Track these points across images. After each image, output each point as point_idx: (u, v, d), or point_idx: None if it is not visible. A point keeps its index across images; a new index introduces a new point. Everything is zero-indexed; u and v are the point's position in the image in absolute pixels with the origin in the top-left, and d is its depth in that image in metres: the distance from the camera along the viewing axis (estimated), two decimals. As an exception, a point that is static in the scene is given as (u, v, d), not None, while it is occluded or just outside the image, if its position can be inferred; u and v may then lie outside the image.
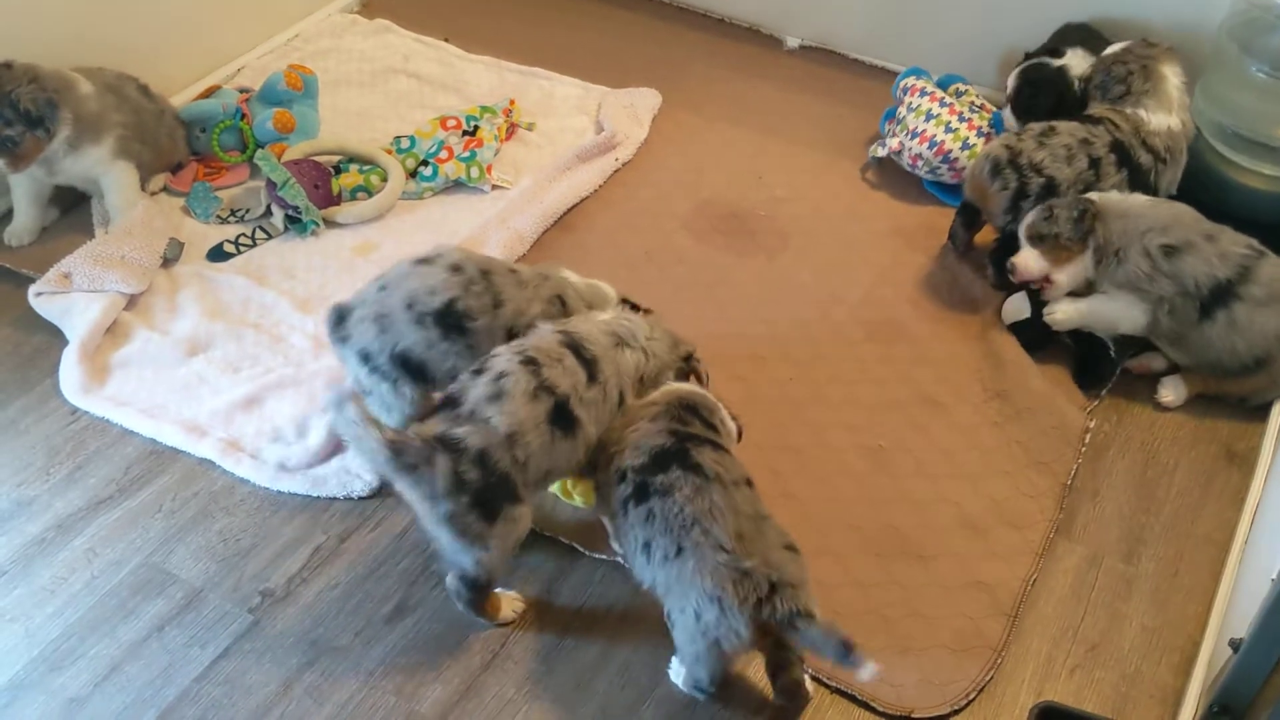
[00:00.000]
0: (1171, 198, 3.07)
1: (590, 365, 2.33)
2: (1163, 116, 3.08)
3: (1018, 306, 3.05)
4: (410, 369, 2.50)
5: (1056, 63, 3.36)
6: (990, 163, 3.07)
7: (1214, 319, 2.79)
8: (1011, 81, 3.45)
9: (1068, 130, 3.06)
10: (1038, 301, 3.01)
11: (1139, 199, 2.92)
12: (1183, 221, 2.85)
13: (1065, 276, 2.93)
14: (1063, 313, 2.94)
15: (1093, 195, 2.94)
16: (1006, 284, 3.16)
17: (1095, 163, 3.03)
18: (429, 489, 2.14)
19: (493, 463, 2.17)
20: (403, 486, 2.18)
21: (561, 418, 2.26)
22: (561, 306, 2.58)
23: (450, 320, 2.48)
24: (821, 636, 2.01)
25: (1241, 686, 2.03)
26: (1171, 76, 3.12)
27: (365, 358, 2.50)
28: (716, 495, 2.12)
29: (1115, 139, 3.05)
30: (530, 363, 2.27)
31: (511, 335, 2.53)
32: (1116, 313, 2.90)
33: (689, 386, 2.41)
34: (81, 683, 2.32)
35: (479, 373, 2.27)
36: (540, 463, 2.25)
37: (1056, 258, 2.91)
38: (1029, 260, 2.94)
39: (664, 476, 2.15)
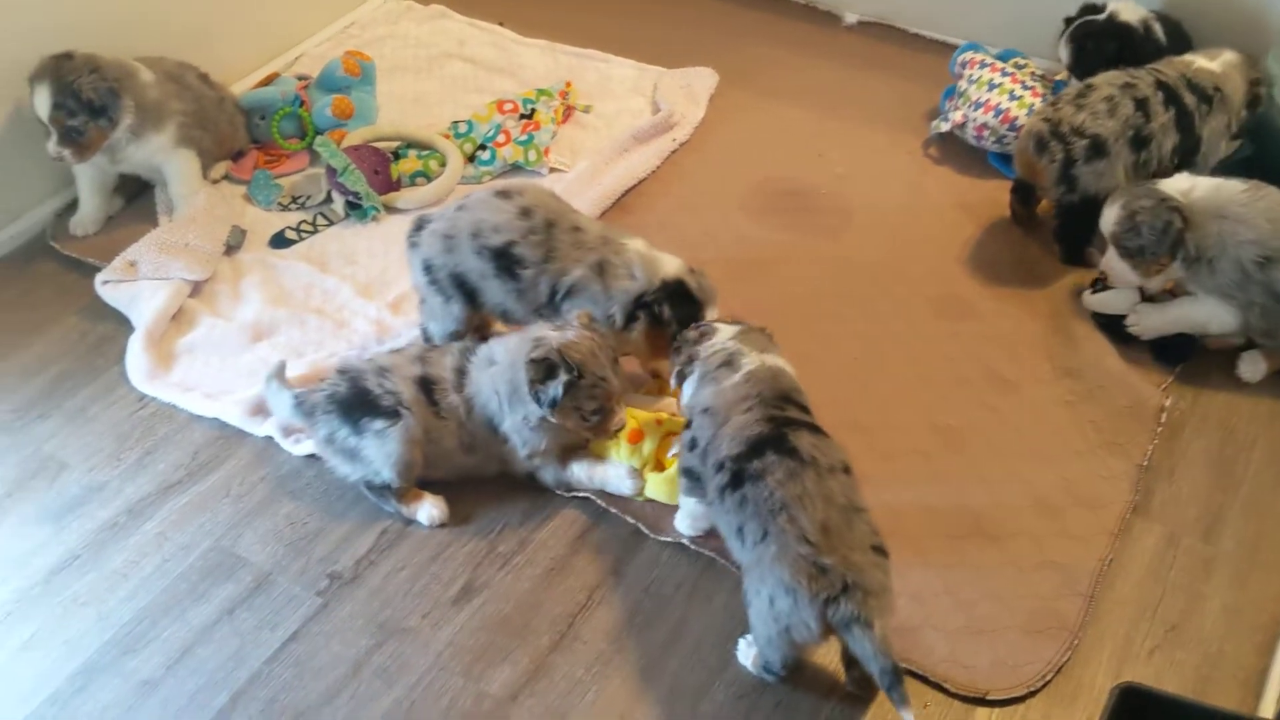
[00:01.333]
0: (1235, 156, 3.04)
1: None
2: (1206, 61, 3.06)
3: (1111, 302, 2.97)
4: (465, 291, 2.67)
5: (1103, 15, 3.32)
6: (1034, 140, 3.02)
7: None
8: (1064, 49, 3.39)
9: (1106, 81, 3.03)
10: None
11: (1233, 189, 2.75)
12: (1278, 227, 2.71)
13: (1155, 284, 2.86)
14: (1148, 323, 2.87)
15: (1181, 189, 2.76)
16: (1075, 260, 3.11)
17: (1142, 103, 2.98)
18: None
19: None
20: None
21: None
22: (601, 273, 2.59)
23: (504, 262, 2.61)
24: (873, 653, 1.97)
25: (1332, 667, 1.98)
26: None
27: (428, 268, 2.70)
28: (809, 481, 2.08)
29: (1159, 79, 3.01)
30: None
31: (553, 292, 2.57)
32: (1205, 317, 2.82)
33: (776, 365, 2.36)
34: (154, 665, 2.34)
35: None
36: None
37: (1148, 269, 2.80)
38: (1122, 271, 2.84)
39: (759, 462, 2.12)
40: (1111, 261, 2.85)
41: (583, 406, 2.43)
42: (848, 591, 1.98)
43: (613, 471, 2.58)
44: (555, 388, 2.37)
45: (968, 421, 2.76)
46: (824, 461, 2.13)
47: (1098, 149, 2.95)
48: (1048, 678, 2.28)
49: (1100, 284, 2.99)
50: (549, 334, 2.44)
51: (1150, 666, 2.30)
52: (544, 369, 2.38)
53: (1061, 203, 3.05)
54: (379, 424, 2.47)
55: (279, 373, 2.65)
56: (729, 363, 2.34)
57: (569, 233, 2.63)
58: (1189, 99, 2.99)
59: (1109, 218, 2.81)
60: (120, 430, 2.80)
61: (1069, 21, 3.41)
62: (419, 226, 2.74)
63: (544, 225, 2.62)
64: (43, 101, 3.00)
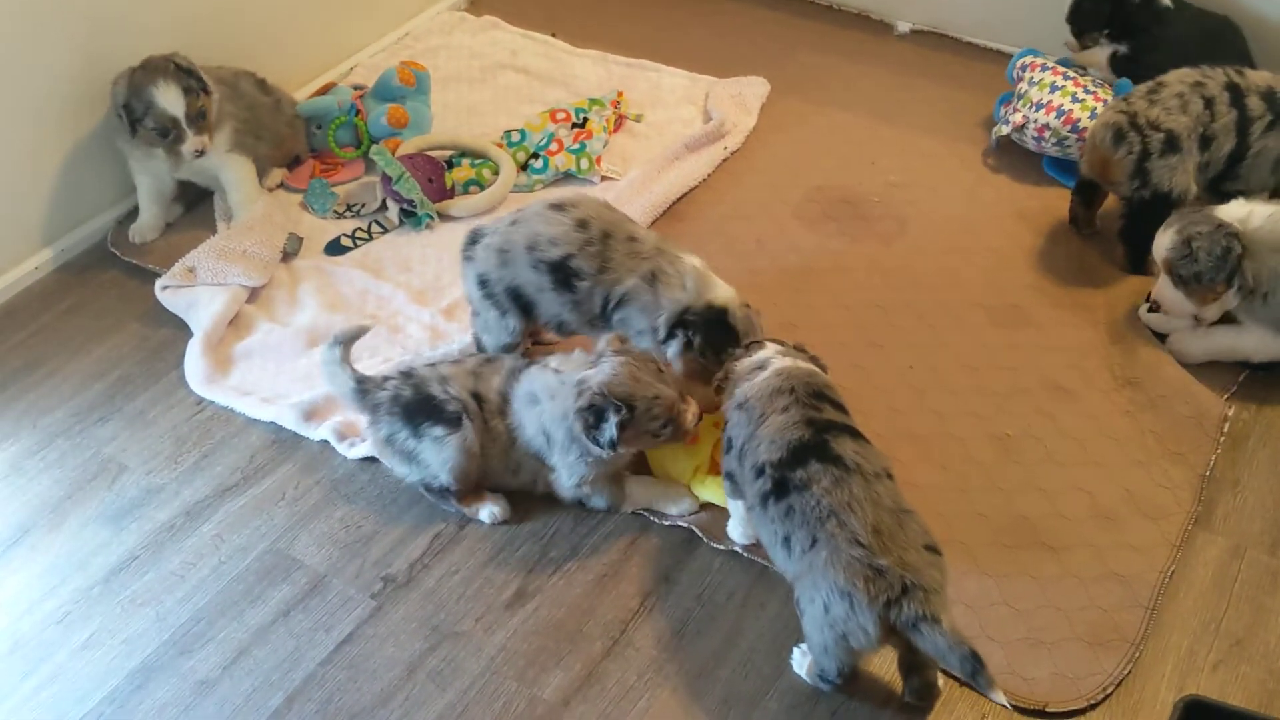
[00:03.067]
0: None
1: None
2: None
3: (1167, 323, 2.92)
4: (520, 304, 2.67)
5: None
6: (1112, 131, 2.99)
7: None
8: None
9: (1176, 78, 3.00)
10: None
11: None
12: None
13: (1210, 313, 2.80)
14: (1189, 349, 2.84)
15: (1238, 216, 2.71)
16: (1138, 267, 3.07)
17: (1209, 102, 2.94)
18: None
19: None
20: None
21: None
22: (652, 282, 2.58)
23: (562, 274, 2.60)
24: (947, 646, 1.95)
25: (1406, 683, 1.92)
26: None
27: (483, 283, 2.69)
28: (856, 487, 2.06)
29: (1231, 80, 2.97)
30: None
31: (606, 302, 2.57)
32: (1252, 346, 2.78)
33: (808, 366, 2.36)
34: (211, 665, 2.36)
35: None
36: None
37: (1203, 296, 2.75)
38: (1176, 300, 2.78)
39: (803, 471, 2.10)
40: (1164, 290, 2.80)
41: (648, 429, 2.41)
42: (908, 592, 1.95)
43: (665, 492, 2.58)
44: (609, 430, 2.35)
45: (1025, 431, 2.72)
46: (868, 468, 2.12)
47: (1172, 143, 2.92)
48: (1109, 690, 2.24)
49: (1155, 303, 2.95)
50: (588, 375, 2.40)
51: (1214, 680, 2.26)
52: (595, 415, 2.36)
53: (1132, 199, 3.01)
54: (438, 430, 2.48)
55: (345, 345, 2.59)
56: (761, 365, 2.34)
57: (624, 243, 2.62)
58: (1254, 103, 2.94)
59: (1163, 243, 2.75)
60: (178, 433, 2.84)
61: None
62: (473, 240, 2.73)
63: (600, 236, 2.61)
64: (172, 93, 3.06)
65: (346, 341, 2.60)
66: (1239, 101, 2.95)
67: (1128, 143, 2.95)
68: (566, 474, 2.50)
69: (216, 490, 2.70)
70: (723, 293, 2.61)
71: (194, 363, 2.95)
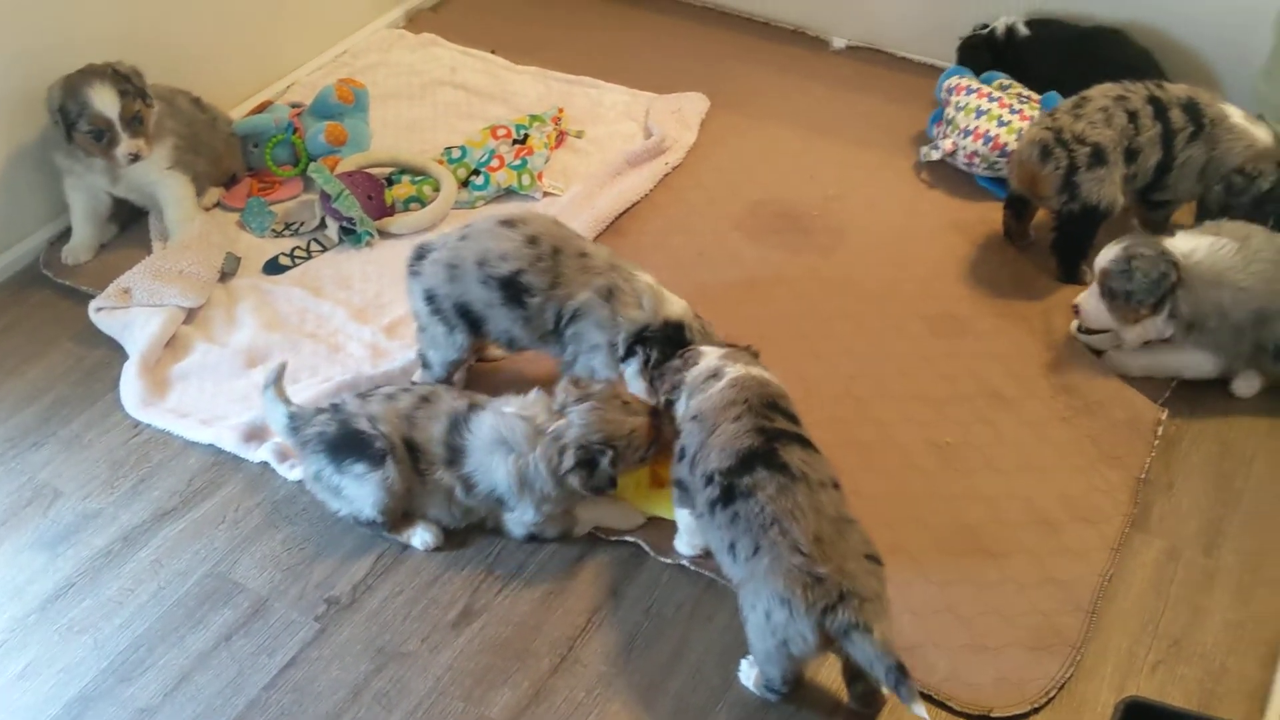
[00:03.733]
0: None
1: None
2: (1241, 118, 3.04)
3: (1099, 340, 2.97)
4: (469, 320, 2.66)
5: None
6: (1039, 147, 3.04)
7: None
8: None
9: (1099, 93, 3.06)
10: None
11: (1228, 254, 2.73)
12: (1273, 286, 2.70)
13: (1132, 336, 2.84)
14: (1126, 364, 2.89)
15: (1184, 250, 2.74)
16: (1071, 276, 3.13)
17: (1133, 115, 3.01)
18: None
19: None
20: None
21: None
22: (609, 298, 2.58)
23: (512, 290, 2.60)
24: (875, 655, 1.96)
25: (1337, 677, 1.97)
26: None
27: (430, 298, 2.67)
28: (800, 495, 2.08)
29: (1152, 94, 3.04)
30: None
31: (559, 317, 2.58)
32: (1184, 364, 2.84)
33: (762, 374, 2.37)
34: (151, 693, 2.32)
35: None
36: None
37: (1125, 315, 2.79)
38: (1097, 312, 2.82)
39: (750, 478, 2.11)
40: (1089, 299, 2.83)
41: (634, 460, 2.43)
42: (844, 599, 1.97)
43: (612, 510, 2.58)
44: (604, 474, 2.38)
45: (966, 439, 2.76)
46: (814, 476, 2.13)
47: (1099, 156, 2.98)
48: (1051, 694, 2.27)
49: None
50: (559, 429, 2.39)
51: (1154, 681, 2.30)
52: (587, 469, 2.37)
53: (1062, 212, 3.07)
54: (360, 468, 2.45)
55: (277, 380, 2.60)
56: (715, 374, 2.36)
57: (576, 259, 2.62)
58: (1177, 116, 3.01)
59: (1106, 255, 2.79)
60: (115, 457, 2.79)
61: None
62: (420, 255, 2.71)
63: (551, 252, 2.60)
64: (107, 95, 3.03)
65: (276, 381, 2.60)
66: (1162, 114, 3.02)
67: (1055, 158, 3.01)
68: (526, 515, 2.48)
69: (155, 514, 2.66)
70: (677, 308, 2.62)
71: (130, 385, 2.90)
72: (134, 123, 3.08)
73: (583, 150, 3.72)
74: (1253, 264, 2.72)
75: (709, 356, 2.42)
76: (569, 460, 2.37)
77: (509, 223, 2.65)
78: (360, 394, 2.60)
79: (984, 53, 3.71)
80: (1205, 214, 3.13)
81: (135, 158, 3.10)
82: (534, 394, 2.50)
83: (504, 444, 2.43)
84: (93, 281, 3.21)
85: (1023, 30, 3.67)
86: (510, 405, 2.49)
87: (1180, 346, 2.81)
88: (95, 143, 3.08)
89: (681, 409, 2.38)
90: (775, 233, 3.38)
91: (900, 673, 1.95)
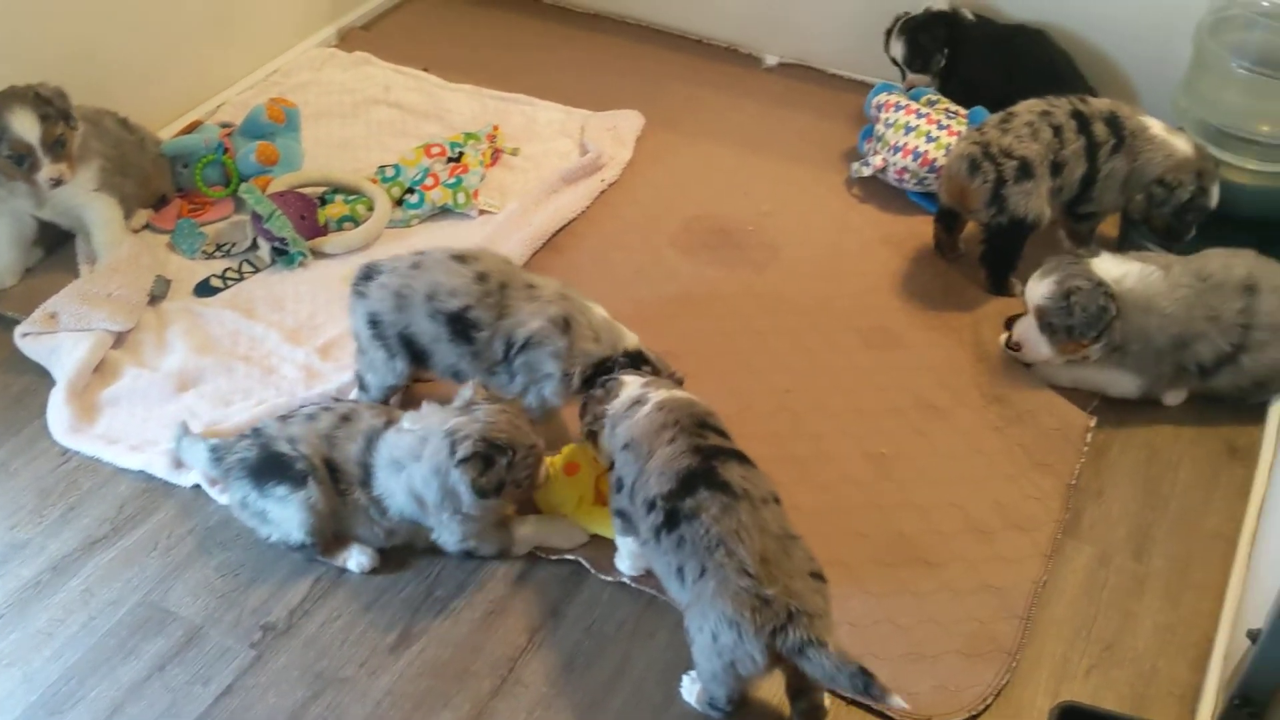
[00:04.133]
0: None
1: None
2: (1160, 128, 3.11)
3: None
4: (412, 350, 2.63)
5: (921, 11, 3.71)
6: (967, 162, 3.09)
7: (1219, 375, 2.82)
8: (898, 46, 3.69)
9: (1025, 109, 3.12)
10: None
11: (1156, 279, 2.78)
12: (1193, 312, 2.77)
13: (1064, 361, 2.89)
14: (1058, 380, 2.94)
15: (1114, 276, 2.78)
16: (1000, 289, 3.19)
17: (1058, 129, 3.07)
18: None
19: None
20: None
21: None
22: (565, 329, 2.55)
23: (459, 326, 2.57)
24: (834, 667, 1.97)
25: (1262, 677, 2.01)
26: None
27: (374, 322, 2.64)
28: (744, 514, 2.08)
29: (1076, 108, 3.10)
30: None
31: (509, 346, 2.55)
32: (1109, 382, 2.89)
33: (687, 395, 2.38)
34: (82, 726, 2.27)
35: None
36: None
37: (1066, 348, 2.82)
38: (1036, 346, 2.85)
39: (692, 500, 2.11)
40: (1029, 332, 2.86)
41: (516, 478, 2.38)
42: (793, 619, 1.98)
43: (554, 528, 2.57)
44: (496, 475, 2.33)
45: (900, 450, 2.79)
46: (756, 493, 2.14)
47: (1026, 170, 3.04)
48: (988, 700, 2.30)
49: (1016, 343, 3.01)
50: (459, 424, 2.35)
51: (1088, 685, 2.33)
52: (482, 463, 2.32)
53: (990, 225, 3.12)
54: (282, 490, 2.43)
55: (185, 431, 2.63)
56: (639, 400, 2.35)
57: (523, 290, 2.59)
58: (1100, 130, 3.08)
59: (1040, 290, 2.80)
60: (43, 485, 2.73)
61: (889, 33, 3.76)
62: (367, 276, 2.65)
63: (498, 287, 2.58)
64: (27, 120, 2.97)
65: (184, 433, 2.62)
66: (1086, 128, 3.08)
67: (983, 172, 3.06)
68: (448, 533, 2.46)
69: (84, 543, 2.61)
70: (632, 339, 2.62)
71: (57, 411, 2.84)
72: (56, 147, 3.03)
73: (518, 168, 3.71)
74: (1177, 290, 2.77)
75: (630, 386, 2.41)
76: (464, 450, 2.31)
77: (461, 258, 2.62)
78: (282, 416, 2.56)
79: (939, 30, 3.71)
80: (1130, 225, 3.21)
81: (58, 182, 3.05)
82: (425, 406, 2.47)
83: (396, 462, 2.41)
84: (18, 307, 3.14)
85: (969, 16, 3.73)
86: (405, 420, 2.47)
87: (1104, 365, 2.87)
88: (16, 168, 3.02)
89: (608, 439, 2.37)
90: (710, 249, 3.40)
91: (866, 676, 1.95)
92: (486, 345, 2.57)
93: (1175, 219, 3.07)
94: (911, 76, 3.78)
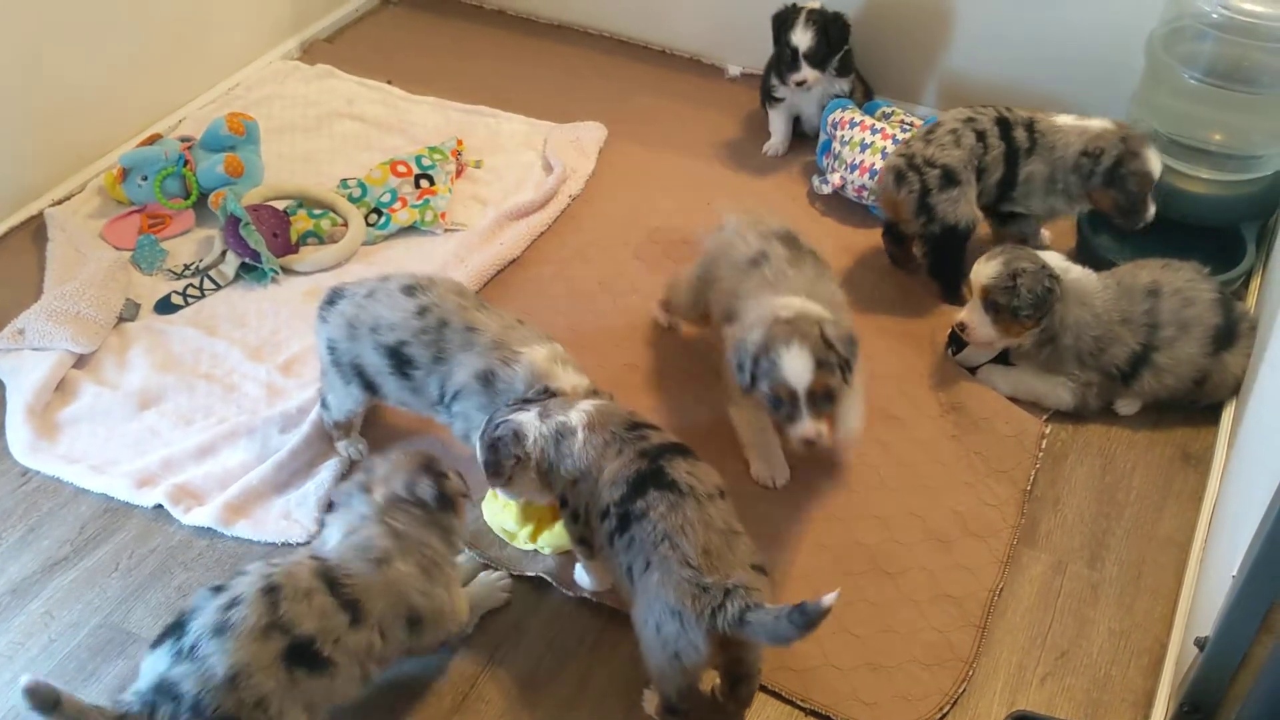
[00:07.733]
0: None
1: (352, 607, 2.10)
2: (1071, 119, 3.18)
3: (974, 357, 3.07)
4: (363, 379, 2.62)
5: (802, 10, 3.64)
6: (893, 174, 3.17)
7: (1139, 377, 2.88)
8: (804, 36, 3.60)
9: (950, 117, 3.20)
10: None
11: (1094, 280, 2.88)
12: (1111, 315, 2.85)
13: (1004, 344, 2.96)
14: (995, 383, 2.99)
15: (1059, 266, 2.85)
16: (953, 297, 3.22)
17: (981, 135, 3.14)
18: None
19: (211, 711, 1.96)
20: None
21: (303, 658, 2.04)
22: (488, 384, 2.45)
23: (397, 360, 2.55)
24: (773, 618, 1.97)
25: (1209, 684, 2.05)
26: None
27: (331, 348, 2.64)
28: (690, 510, 2.11)
29: (1000, 115, 3.18)
30: (270, 591, 2.04)
31: (442, 393, 2.51)
32: (1044, 392, 2.94)
33: (597, 402, 2.33)
34: (42, 750, 2.26)
35: (218, 590, 2.06)
36: (284, 703, 2.02)
37: (1009, 329, 2.87)
38: (982, 328, 2.88)
39: (643, 501, 2.14)
40: (974, 314, 2.90)
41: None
42: (730, 594, 2.01)
43: (489, 592, 2.50)
44: None
45: (859, 458, 2.81)
46: (701, 489, 2.17)
47: (949, 178, 3.10)
48: (945, 710, 2.33)
49: (956, 346, 3.08)
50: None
51: (1043, 693, 2.37)
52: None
53: (925, 235, 3.18)
54: None
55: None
56: (562, 433, 2.27)
57: (462, 333, 2.50)
58: (1020, 135, 3.16)
59: (986, 270, 2.86)
60: (2, 507, 2.71)
61: (781, 20, 3.67)
62: (331, 301, 2.63)
63: (437, 325, 2.51)
64: None
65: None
66: (1007, 134, 3.16)
67: (908, 182, 3.12)
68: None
69: (44, 565, 2.60)
70: (569, 383, 2.43)
71: (17, 431, 2.84)
72: None
73: (482, 180, 3.72)
74: (1106, 291, 2.87)
75: (536, 425, 2.28)
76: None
77: (411, 289, 2.56)
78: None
79: (845, 27, 3.68)
80: (1084, 238, 3.27)
81: None
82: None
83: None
84: (-14, 324, 3.12)
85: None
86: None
87: (1035, 368, 2.93)
88: None
89: (537, 479, 2.31)
90: (674, 260, 3.41)
91: (801, 606, 1.94)
92: (423, 384, 2.53)
93: (1119, 192, 3.07)
94: (806, 71, 3.62)
